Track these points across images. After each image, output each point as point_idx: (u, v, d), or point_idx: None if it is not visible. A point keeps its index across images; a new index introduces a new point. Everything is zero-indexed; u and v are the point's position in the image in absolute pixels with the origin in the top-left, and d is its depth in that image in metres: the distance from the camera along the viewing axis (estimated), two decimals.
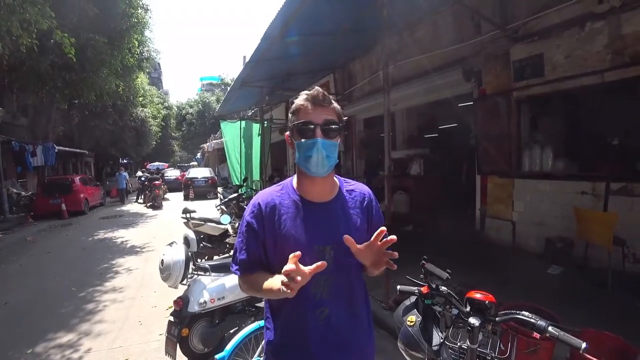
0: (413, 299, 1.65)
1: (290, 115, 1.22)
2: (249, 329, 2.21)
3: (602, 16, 4.13)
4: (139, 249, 7.57)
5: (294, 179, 1.26)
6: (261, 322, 2.24)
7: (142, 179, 16.71)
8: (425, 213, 7.39)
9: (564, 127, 5.09)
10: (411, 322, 1.57)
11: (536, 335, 1.29)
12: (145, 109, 21.70)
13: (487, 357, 1.47)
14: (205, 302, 2.66)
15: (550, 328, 1.25)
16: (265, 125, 9.72)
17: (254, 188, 9.91)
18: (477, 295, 1.47)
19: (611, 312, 3.25)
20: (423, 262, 1.71)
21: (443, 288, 1.57)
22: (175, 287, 2.68)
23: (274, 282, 1.08)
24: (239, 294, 2.94)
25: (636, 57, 3.92)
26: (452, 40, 6.00)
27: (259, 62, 5.85)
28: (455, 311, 1.55)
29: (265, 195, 1.23)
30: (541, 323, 1.27)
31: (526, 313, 1.36)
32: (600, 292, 3.78)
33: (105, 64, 9.62)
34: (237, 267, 1.22)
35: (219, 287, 2.83)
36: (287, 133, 1.24)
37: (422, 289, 1.57)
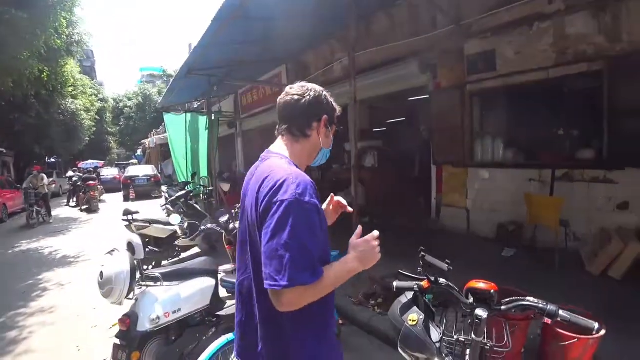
0: (409, 295, 1.48)
1: (336, 111, 1.34)
2: (217, 345, 1.89)
3: (548, 17, 4.39)
4: (72, 260, 6.62)
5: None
6: (230, 336, 1.94)
7: (74, 179, 14.84)
8: (382, 204, 7.44)
9: (513, 119, 5.37)
10: (413, 321, 1.41)
11: (547, 320, 1.20)
12: (76, 101, 19.21)
13: (487, 347, 1.37)
14: (158, 317, 2.28)
15: (561, 312, 1.22)
16: (213, 118, 9.11)
17: (203, 185, 9.27)
18: (481, 285, 1.37)
19: (560, 286, 3.54)
20: (422, 254, 1.56)
21: (442, 280, 1.43)
22: (120, 304, 2.24)
23: (350, 258, 1.07)
24: (197, 303, 2.59)
25: (577, 55, 4.23)
26: (408, 33, 6.03)
27: (208, 48, 5.35)
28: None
29: (303, 174, 1.08)
30: (552, 308, 1.23)
31: (532, 299, 1.31)
32: (550, 269, 4.07)
33: (25, 45, 8.21)
34: (318, 269, 0.99)
35: (174, 298, 2.45)
36: (325, 117, 1.26)
37: (422, 283, 1.41)
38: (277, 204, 0.98)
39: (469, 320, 1.41)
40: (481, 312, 1.31)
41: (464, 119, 5.57)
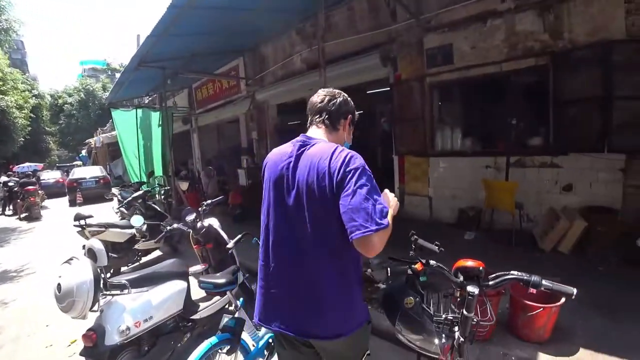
0: (403, 278, 1.50)
1: (356, 114, 1.58)
2: (201, 350, 1.78)
3: (500, 14, 4.66)
4: (14, 274, 5.94)
5: None
6: (214, 340, 1.84)
7: (10, 184, 13.23)
8: None
9: (470, 110, 5.67)
10: (410, 303, 1.43)
11: (532, 290, 1.30)
12: (6, 97, 17.17)
13: (474, 322, 1.44)
14: (127, 328, 2.10)
15: (544, 282, 1.31)
16: (166, 113, 8.62)
17: (159, 184, 8.77)
18: (469, 264, 1.43)
19: (517, 262, 3.79)
20: (415, 237, 1.58)
21: (433, 262, 1.46)
22: (84, 318, 2.03)
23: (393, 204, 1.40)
24: (169, 308, 2.45)
25: (526, 51, 4.54)
26: (369, 26, 6.09)
27: (162, 38, 5.01)
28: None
29: None
30: (536, 279, 1.32)
31: (516, 272, 1.39)
32: (508, 248, 4.39)
33: None
34: (386, 218, 1.21)
35: (144, 305, 2.29)
36: (350, 116, 1.53)
37: (416, 266, 1.43)
38: (352, 171, 1.22)
39: (458, 299, 1.47)
40: (472, 289, 1.37)
41: (424, 110, 5.77)
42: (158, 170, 9.96)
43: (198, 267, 2.77)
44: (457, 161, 5.56)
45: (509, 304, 2.68)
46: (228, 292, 2.10)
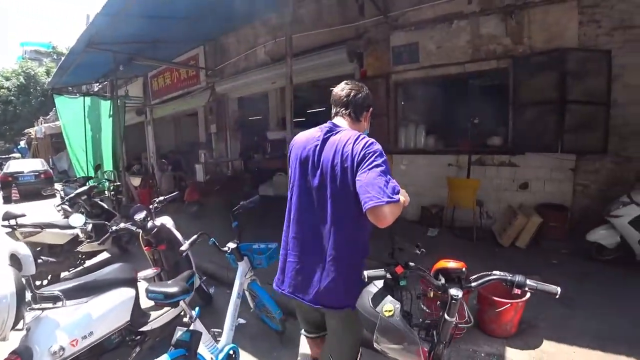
0: (379, 283, 1.37)
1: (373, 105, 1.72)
2: None
3: (466, 16, 4.75)
4: None
5: None
6: (173, 352, 1.62)
7: None
8: None
9: (434, 108, 5.75)
10: (389, 311, 1.30)
11: (517, 290, 1.30)
12: None
13: (453, 324, 1.38)
14: (62, 348, 1.79)
15: (528, 282, 1.30)
16: (119, 103, 7.94)
17: (108, 179, 8.08)
18: (451, 265, 1.35)
19: (479, 257, 3.90)
20: (396, 239, 1.46)
21: (412, 264, 1.36)
22: (4, 339, 1.69)
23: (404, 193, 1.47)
24: (114, 321, 2.15)
25: (489, 53, 4.68)
26: (337, 20, 5.97)
27: (116, 18, 4.50)
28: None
29: None
30: (520, 279, 1.30)
31: (498, 272, 1.37)
32: (470, 244, 4.51)
33: None
34: (398, 195, 1.35)
35: (82, 319, 1.98)
36: (371, 109, 1.70)
37: (395, 269, 1.31)
38: (372, 153, 1.39)
39: (438, 302, 1.40)
40: (456, 292, 1.28)
41: (388, 108, 5.76)
42: (108, 165, 9.19)
43: (149, 272, 2.48)
44: (420, 159, 5.62)
45: (476, 300, 2.69)
46: (182, 302, 1.86)
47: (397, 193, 1.35)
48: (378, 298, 1.34)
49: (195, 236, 2.19)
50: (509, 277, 1.32)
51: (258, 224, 5.24)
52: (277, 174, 7.89)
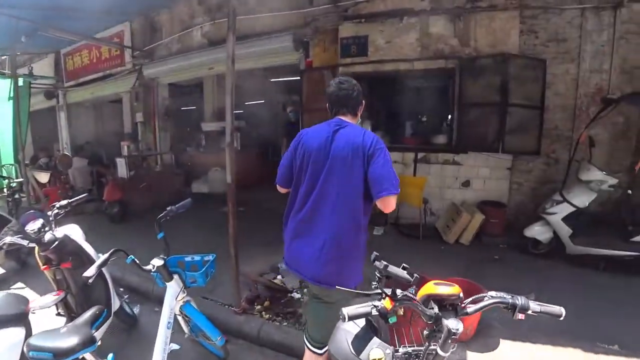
0: (360, 321, 1.08)
1: None
2: None
3: (416, 13, 4.71)
4: None
5: None
6: None
7: None
8: (247, 190, 6.89)
9: (381, 105, 5.67)
10: (379, 359, 1.01)
11: (521, 316, 1.10)
12: None
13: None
14: None
15: (531, 304, 1.11)
16: (21, 83, 6.54)
17: (7, 176, 6.68)
18: (444, 290, 1.10)
19: (425, 254, 4.01)
20: (382, 262, 1.17)
21: (399, 291, 1.09)
22: None
23: None
24: None
25: (437, 53, 4.70)
26: (284, 5, 5.57)
27: None
28: None
29: None
30: (523, 302, 1.11)
31: (494, 294, 1.17)
32: (416, 242, 4.51)
33: None
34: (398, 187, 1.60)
35: None
36: (364, 102, 1.90)
37: (383, 303, 1.02)
38: (380, 149, 1.62)
39: (425, 331, 1.16)
40: (455, 325, 1.05)
41: None
42: (6, 158, 7.59)
43: (47, 299, 1.88)
44: None
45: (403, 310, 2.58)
46: (88, 354, 1.35)
47: (398, 185, 1.60)
48: (361, 341, 1.05)
49: (106, 255, 1.62)
50: (510, 300, 1.12)
51: (192, 227, 4.69)
52: (213, 169, 7.22)
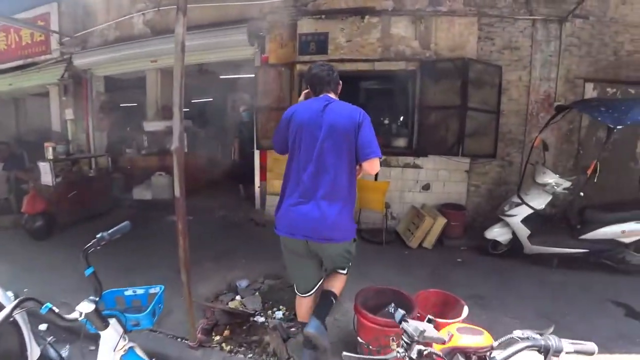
0: None
1: None
2: None
3: (378, 13, 4.61)
4: None
5: None
6: None
7: None
8: (195, 197, 6.34)
9: None
10: None
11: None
12: None
13: None
14: None
15: (564, 344, 0.94)
16: None
17: None
18: (472, 342, 0.88)
19: (389, 259, 3.93)
20: (419, 330, 0.90)
21: (419, 348, 0.85)
22: None
23: None
24: None
25: (398, 54, 4.65)
26: None
27: None
28: None
29: None
30: (556, 343, 0.94)
31: (523, 334, 0.98)
32: (380, 248, 4.38)
33: None
34: None
35: None
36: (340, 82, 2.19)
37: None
38: (366, 119, 1.91)
39: None
40: None
41: (292, 101, 5.23)
42: None
43: None
44: None
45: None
46: None
47: None
48: None
49: (6, 309, 1.10)
50: (542, 342, 0.94)
51: (133, 242, 4.12)
52: (157, 173, 6.51)
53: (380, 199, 4.48)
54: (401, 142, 4.95)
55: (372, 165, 1.87)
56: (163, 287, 1.72)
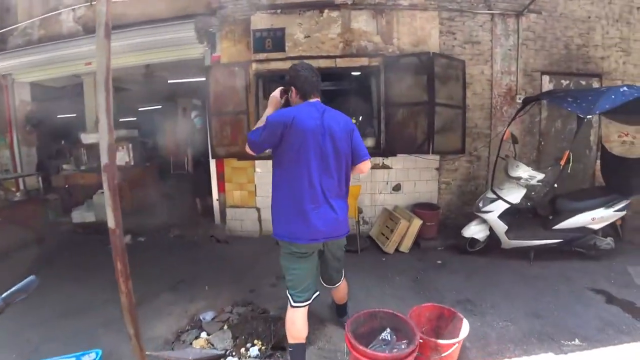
0: None
1: None
2: None
3: (337, 7, 4.35)
4: None
5: None
6: None
7: None
8: (146, 215, 5.62)
9: None
10: None
11: None
12: None
13: None
14: None
15: None
16: None
17: None
18: None
19: (371, 270, 3.66)
20: None
21: None
22: None
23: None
24: None
25: (360, 50, 4.42)
26: None
27: None
28: None
29: None
30: None
31: None
32: (356, 257, 4.06)
33: None
34: None
35: None
36: None
37: None
38: (355, 127, 2.11)
39: None
40: None
41: (248, 103, 4.78)
42: None
43: None
44: None
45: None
46: None
47: None
48: None
49: None
50: None
51: (71, 274, 3.43)
52: (99, 192, 5.64)
53: (352, 205, 4.16)
54: (369, 142, 4.69)
55: (366, 166, 2.12)
56: (100, 352, 1.23)
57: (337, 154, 1.96)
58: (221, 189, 5.12)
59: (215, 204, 5.25)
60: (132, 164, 6.21)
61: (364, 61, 4.41)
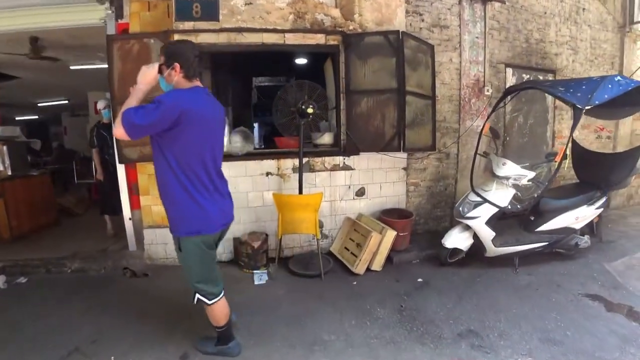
0: None
1: None
2: None
3: None
4: None
5: None
6: None
7: None
8: (36, 243, 4.26)
9: (243, 93, 4.10)
10: None
11: None
12: None
13: None
14: None
15: None
16: None
17: None
18: None
19: (342, 304, 2.86)
20: None
21: None
22: None
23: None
24: None
25: (315, 24, 3.60)
26: None
27: None
28: None
29: None
30: None
31: None
32: (320, 285, 3.19)
33: None
34: None
35: None
36: None
37: None
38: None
39: None
40: None
41: None
42: None
43: None
44: (224, 167, 3.82)
45: None
46: None
47: None
48: None
49: None
50: None
51: None
52: None
53: (312, 219, 3.28)
54: (326, 139, 3.90)
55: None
56: None
57: (221, 141, 1.96)
58: (135, 204, 3.83)
59: (128, 224, 3.92)
60: (9, 173, 4.52)
61: (319, 38, 3.60)
